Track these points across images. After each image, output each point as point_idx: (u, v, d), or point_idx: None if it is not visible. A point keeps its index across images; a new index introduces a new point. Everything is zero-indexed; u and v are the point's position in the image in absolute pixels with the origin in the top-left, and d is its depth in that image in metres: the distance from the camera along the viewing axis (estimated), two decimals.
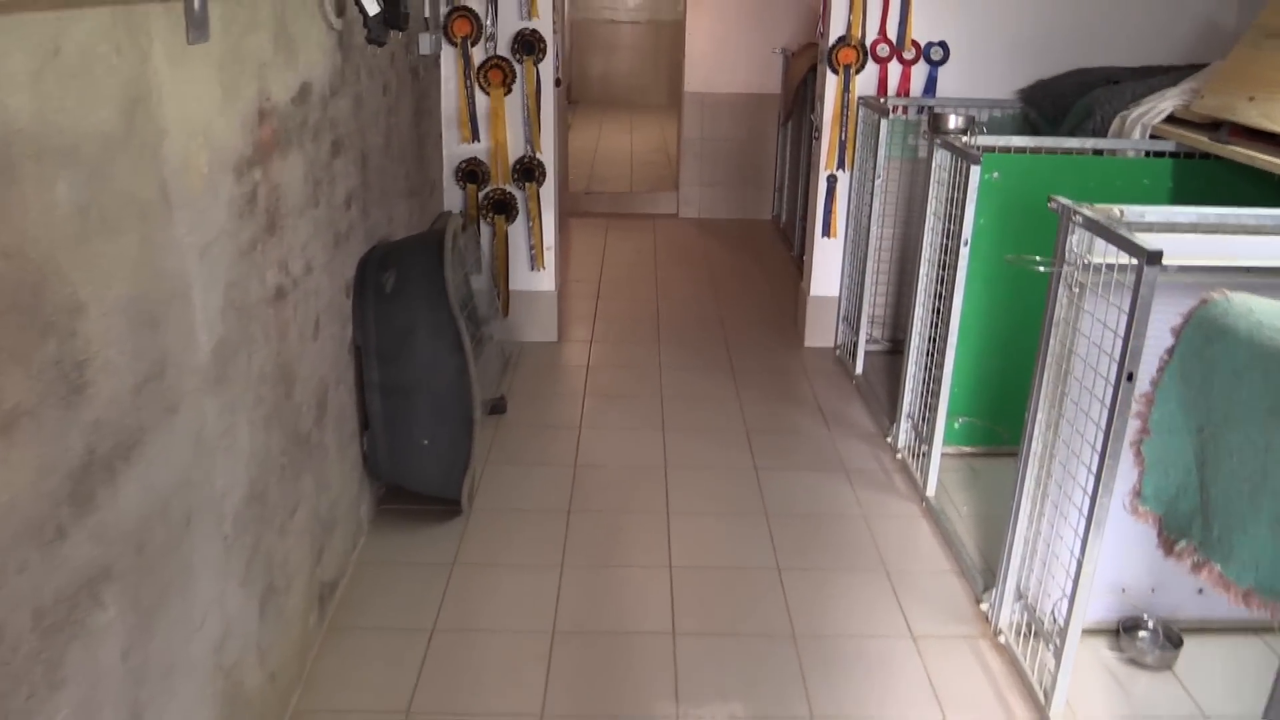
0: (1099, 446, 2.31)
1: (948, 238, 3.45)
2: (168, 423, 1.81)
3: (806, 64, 5.77)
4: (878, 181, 4.27)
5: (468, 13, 4.42)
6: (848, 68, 4.51)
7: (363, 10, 2.72)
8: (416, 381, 3.13)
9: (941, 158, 3.45)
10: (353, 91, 3.02)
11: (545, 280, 4.86)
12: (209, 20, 1.91)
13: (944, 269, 3.46)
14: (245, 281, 2.16)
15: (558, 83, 4.68)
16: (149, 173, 1.73)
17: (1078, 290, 2.48)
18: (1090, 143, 3.55)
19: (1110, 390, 2.26)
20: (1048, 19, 4.50)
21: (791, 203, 6.67)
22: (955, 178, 3.34)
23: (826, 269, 4.86)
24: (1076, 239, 2.43)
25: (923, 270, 3.62)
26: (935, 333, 3.54)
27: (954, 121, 3.41)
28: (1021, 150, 3.50)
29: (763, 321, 5.30)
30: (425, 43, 4.02)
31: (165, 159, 1.78)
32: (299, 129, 2.53)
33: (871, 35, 4.49)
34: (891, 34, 4.48)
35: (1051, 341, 2.55)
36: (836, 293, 4.87)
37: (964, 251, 3.24)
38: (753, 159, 7.23)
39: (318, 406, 2.71)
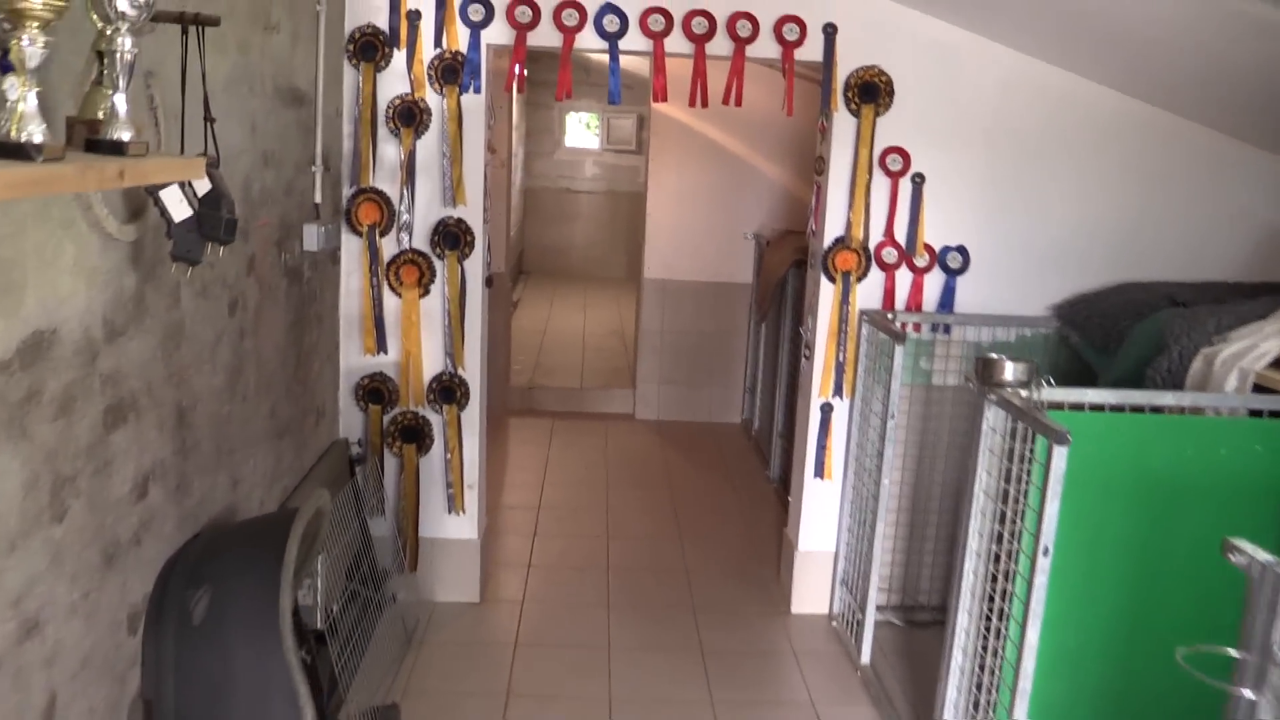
0: None
1: (1002, 522, 2.51)
2: None
3: (788, 258, 4.96)
4: (891, 423, 3.34)
5: (377, 196, 3.54)
6: (847, 275, 3.66)
7: (165, 216, 1.77)
8: None
9: (995, 417, 2.53)
10: (161, 324, 2.05)
11: (466, 526, 3.83)
12: None
13: (1003, 574, 2.49)
14: None
15: (488, 283, 3.78)
16: None
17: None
18: (1189, 398, 2.66)
19: None
20: (1087, 222, 3.72)
21: (767, 409, 5.76)
22: (1019, 448, 2.42)
23: (819, 518, 3.88)
24: None
25: (970, 545, 2.66)
26: (990, 613, 2.55)
27: (1012, 371, 2.52)
28: (1098, 407, 2.60)
29: (739, 574, 4.28)
30: (313, 236, 3.10)
31: None
32: (19, 406, 1.53)
33: (876, 237, 3.66)
34: (900, 236, 3.66)
35: None
36: (832, 548, 3.88)
37: (1043, 563, 2.28)
38: (720, 355, 6.36)
39: None
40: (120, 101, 1.40)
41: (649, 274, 6.27)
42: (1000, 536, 2.61)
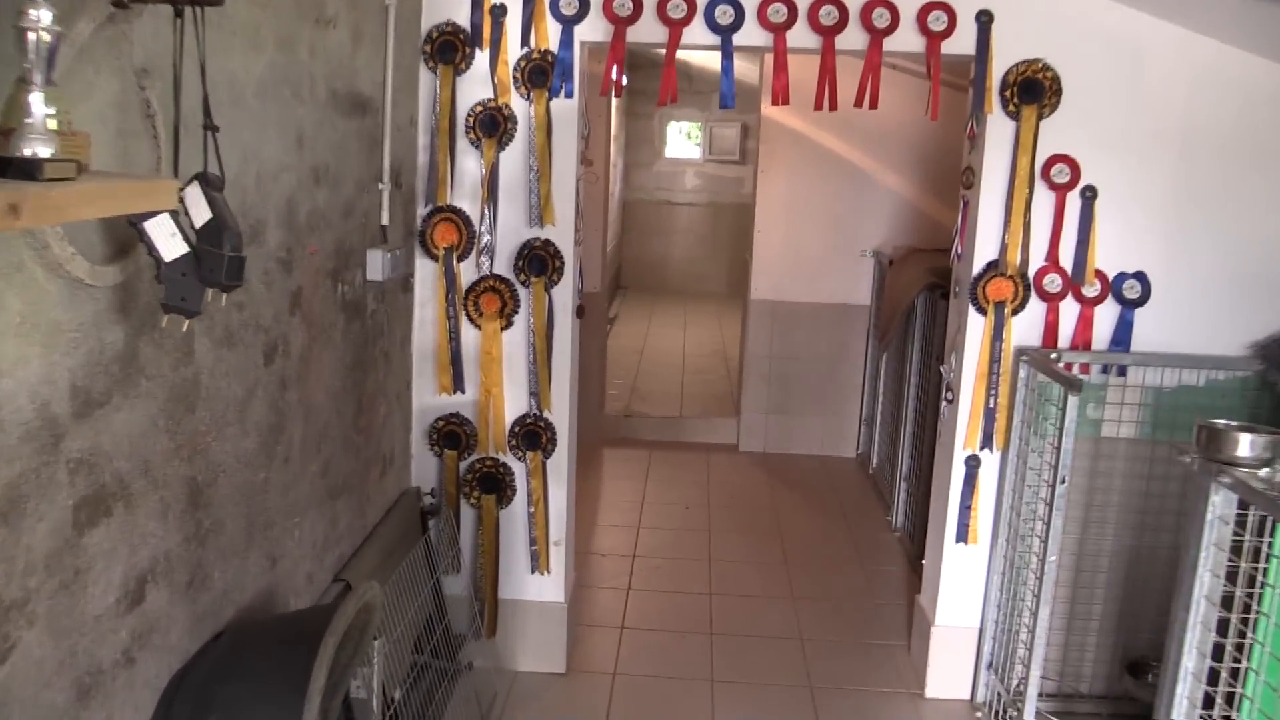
0: None
1: (1224, 632, 1.92)
2: None
3: (917, 280, 4.38)
4: (1061, 488, 2.76)
5: (455, 216, 3.11)
6: (1001, 306, 3.08)
7: (153, 254, 1.35)
8: None
9: (1224, 504, 1.95)
10: (165, 385, 1.63)
11: (551, 587, 3.37)
12: None
13: (1224, 697, 1.91)
14: None
15: (579, 313, 3.32)
16: None
17: None
18: None
19: None
20: None
21: (887, 447, 5.18)
22: (1250, 541, 1.84)
23: (960, 589, 3.31)
24: None
25: (1185, 664, 2.08)
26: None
27: (1249, 445, 1.93)
28: None
29: (862, 645, 3.72)
30: (379, 264, 2.68)
31: None
32: None
33: (1037, 262, 3.08)
34: (1066, 260, 3.07)
35: None
36: (976, 623, 3.31)
37: None
38: (833, 383, 5.80)
39: None
40: (37, 103, 0.97)
41: (756, 294, 5.75)
42: (1220, 649, 2.03)
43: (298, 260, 2.19)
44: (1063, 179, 3.02)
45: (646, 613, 3.90)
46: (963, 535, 3.26)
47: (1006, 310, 3.09)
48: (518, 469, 3.28)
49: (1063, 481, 2.74)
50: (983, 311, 3.10)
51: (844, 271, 5.65)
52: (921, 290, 4.29)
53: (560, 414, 3.25)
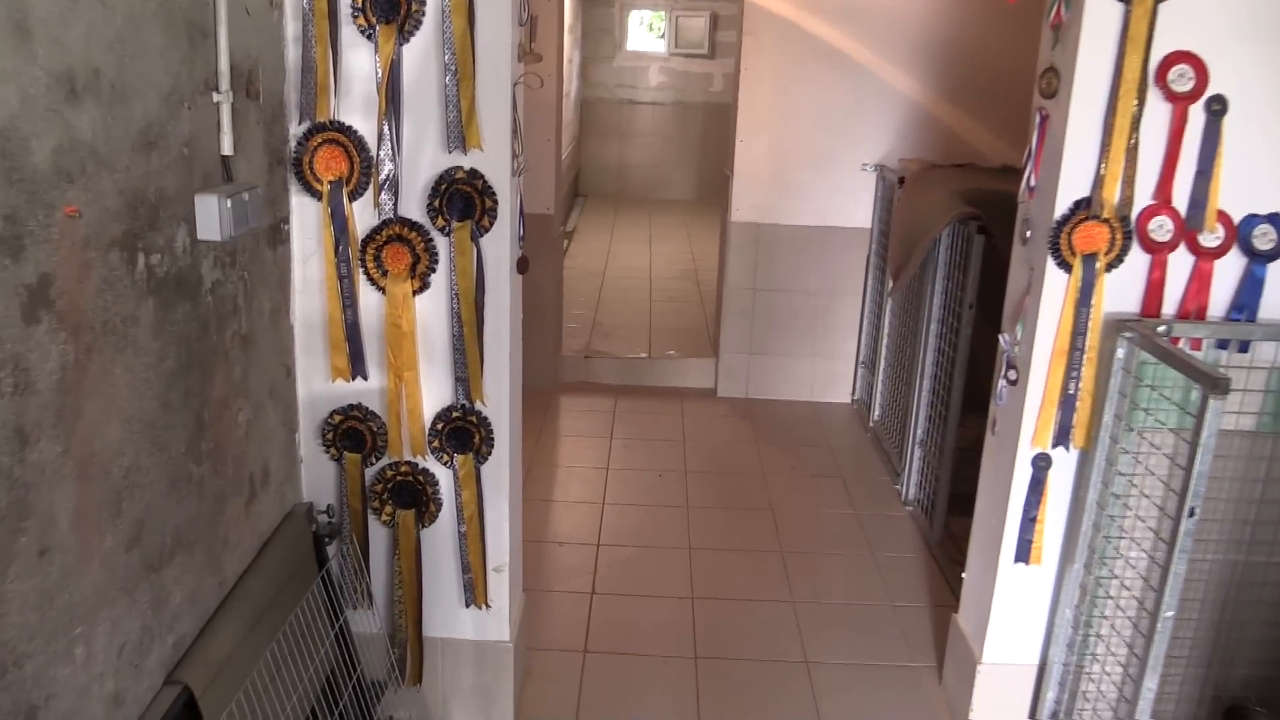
0: None
1: None
2: None
3: (944, 209, 3.55)
4: (1189, 522, 2.00)
5: (343, 137, 2.23)
6: (1091, 260, 2.28)
7: None
8: None
9: None
10: None
11: (492, 623, 2.60)
12: None
13: None
14: None
15: (521, 266, 2.47)
16: None
17: None
18: None
19: None
20: None
21: (895, 403, 4.43)
22: None
23: (1017, 617, 2.59)
24: None
25: None
26: None
27: None
28: None
29: (882, 669, 3.01)
30: (214, 215, 1.80)
31: None
32: None
33: (1142, 200, 2.27)
34: (1180, 200, 2.26)
35: None
36: (1036, 660, 2.60)
37: None
38: (826, 320, 5.01)
39: None
40: None
41: (737, 216, 4.89)
42: None
43: (37, 231, 1.32)
44: (1184, 86, 2.19)
45: (615, 629, 3.15)
46: (1024, 554, 2.52)
47: (1099, 265, 2.29)
48: (443, 476, 2.47)
49: (1191, 514, 1.98)
50: (1066, 267, 2.30)
51: (841, 189, 4.80)
52: (950, 222, 3.47)
53: (498, 404, 2.43)
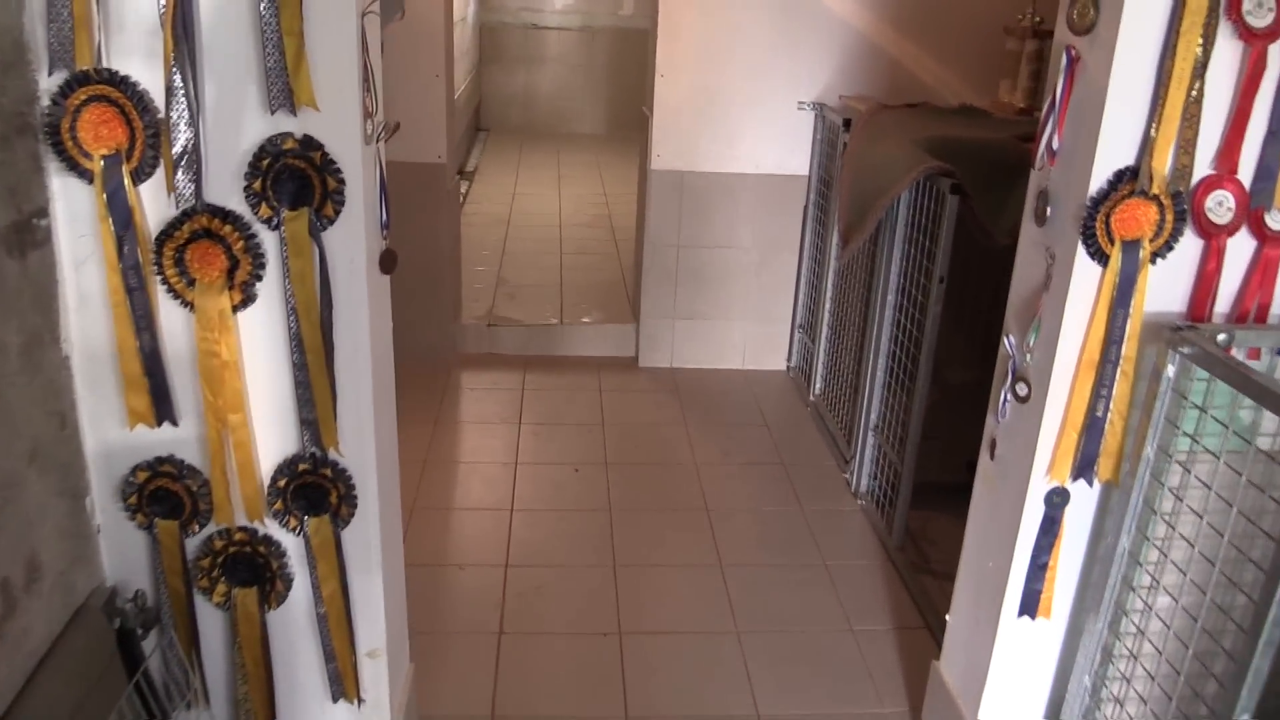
0: None
1: None
2: None
3: (909, 161, 3.00)
4: None
5: (117, 93, 1.56)
6: (1133, 248, 1.75)
7: None
8: None
9: None
10: None
11: (372, 718, 2.03)
12: None
13: None
14: None
15: (386, 264, 1.84)
16: None
17: None
18: None
19: None
20: None
21: (842, 371, 3.93)
22: None
23: (1018, 677, 2.12)
24: None
25: None
26: None
27: None
28: None
29: (848, 718, 2.54)
30: None
31: None
32: None
33: (1201, 170, 1.74)
34: (1246, 170, 1.75)
35: None
36: None
37: None
38: (760, 279, 4.47)
39: None
40: None
41: (658, 163, 4.28)
42: None
43: None
44: (1264, 20, 1.66)
45: (530, 684, 2.61)
46: (1030, 606, 2.03)
47: (1142, 254, 1.77)
48: (291, 545, 1.87)
49: None
50: (1101, 256, 1.77)
51: (775, 131, 4.22)
52: (916, 178, 2.92)
53: (361, 452, 1.82)
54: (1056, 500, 1.95)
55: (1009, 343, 1.99)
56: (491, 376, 4.41)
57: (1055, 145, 1.82)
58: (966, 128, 3.31)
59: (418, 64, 4.08)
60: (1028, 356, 1.93)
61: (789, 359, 4.57)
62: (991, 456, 2.10)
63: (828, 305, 4.02)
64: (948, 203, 2.77)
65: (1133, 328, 1.80)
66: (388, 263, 1.82)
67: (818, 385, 4.17)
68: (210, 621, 1.91)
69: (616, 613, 2.88)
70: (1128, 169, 1.72)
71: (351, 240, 1.68)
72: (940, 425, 3.12)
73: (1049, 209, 1.85)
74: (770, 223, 4.36)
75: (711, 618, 2.88)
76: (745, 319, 4.52)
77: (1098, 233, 1.75)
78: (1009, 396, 2.00)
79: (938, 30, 4.10)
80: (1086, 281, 1.80)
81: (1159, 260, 1.78)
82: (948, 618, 2.33)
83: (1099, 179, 1.73)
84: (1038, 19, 3.61)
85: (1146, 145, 1.70)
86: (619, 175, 8.09)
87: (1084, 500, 1.96)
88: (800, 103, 4.17)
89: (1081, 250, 1.77)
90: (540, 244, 6.16)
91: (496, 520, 3.31)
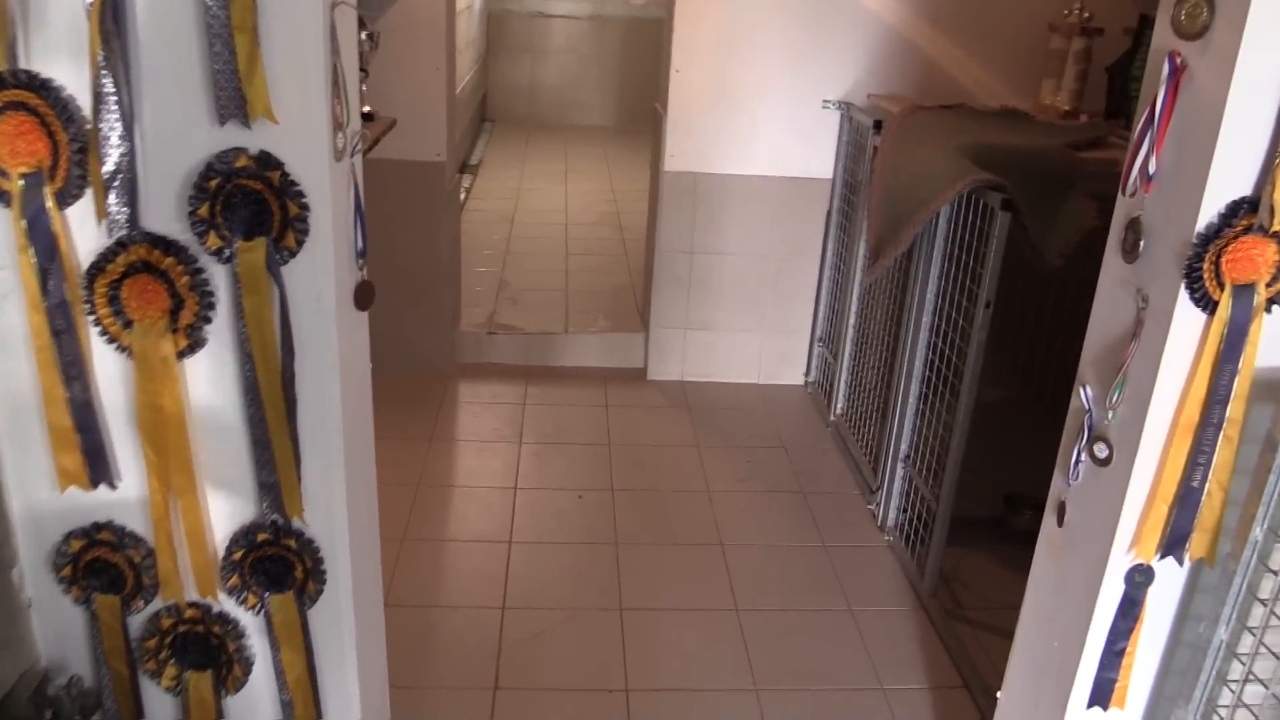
0: None
1: None
2: None
3: (953, 173, 2.71)
4: None
5: (37, 100, 1.29)
6: (1246, 293, 1.48)
7: None
8: None
9: None
10: None
11: None
12: None
13: None
14: None
15: (361, 299, 1.57)
16: None
17: None
18: None
19: None
20: None
21: (868, 391, 3.66)
22: None
23: None
24: None
25: None
26: None
27: None
28: None
29: None
30: None
31: None
32: None
33: None
34: None
35: None
36: None
37: None
38: (778, 288, 4.19)
39: None
40: None
41: (671, 164, 4.01)
42: None
43: None
44: None
45: None
46: (1103, 696, 1.77)
47: (1257, 300, 1.49)
48: (250, 623, 1.60)
49: None
50: (1208, 302, 1.50)
51: (797, 132, 3.95)
52: (961, 191, 2.64)
53: (331, 520, 1.55)
54: (1139, 579, 1.68)
55: (1085, 395, 1.72)
56: (491, 389, 4.15)
57: (1152, 168, 1.54)
58: (1011, 133, 3.03)
59: (418, 56, 3.81)
60: (1109, 414, 1.65)
61: (807, 373, 4.30)
62: (1060, 522, 1.82)
63: (852, 320, 3.75)
64: (997, 220, 2.50)
65: (1241, 386, 1.53)
66: (364, 297, 1.55)
67: (839, 404, 3.90)
68: (159, 708, 1.66)
69: (624, 665, 2.62)
70: (1244, 200, 1.45)
71: (318, 274, 1.41)
72: (970, 450, 2.86)
73: (1141, 243, 1.58)
74: (790, 229, 4.09)
75: (727, 673, 2.62)
76: (761, 330, 4.25)
77: (1205, 275, 1.47)
78: (1082, 456, 1.73)
79: (976, 26, 3.82)
80: (1188, 330, 1.52)
81: (1275, 308, 1.51)
82: (999, 695, 2.07)
83: (1209, 211, 1.45)
84: (1086, 15, 3.33)
85: (1269, 173, 1.42)
86: (628, 171, 7.81)
87: (1169, 578, 1.70)
88: (825, 101, 3.89)
89: (1184, 294, 1.50)
90: (545, 243, 5.88)
91: (493, 554, 3.05)
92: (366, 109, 3.72)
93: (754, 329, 4.24)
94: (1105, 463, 1.68)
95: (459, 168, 6.92)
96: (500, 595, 2.86)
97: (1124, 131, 3.17)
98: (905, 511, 3.18)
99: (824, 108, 3.90)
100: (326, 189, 1.37)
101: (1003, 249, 2.49)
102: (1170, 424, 1.57)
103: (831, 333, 4.05)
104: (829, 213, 4.02)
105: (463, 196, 6.58)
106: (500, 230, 6.06)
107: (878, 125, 3.41)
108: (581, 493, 3.41)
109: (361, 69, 3.77)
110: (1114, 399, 1.64)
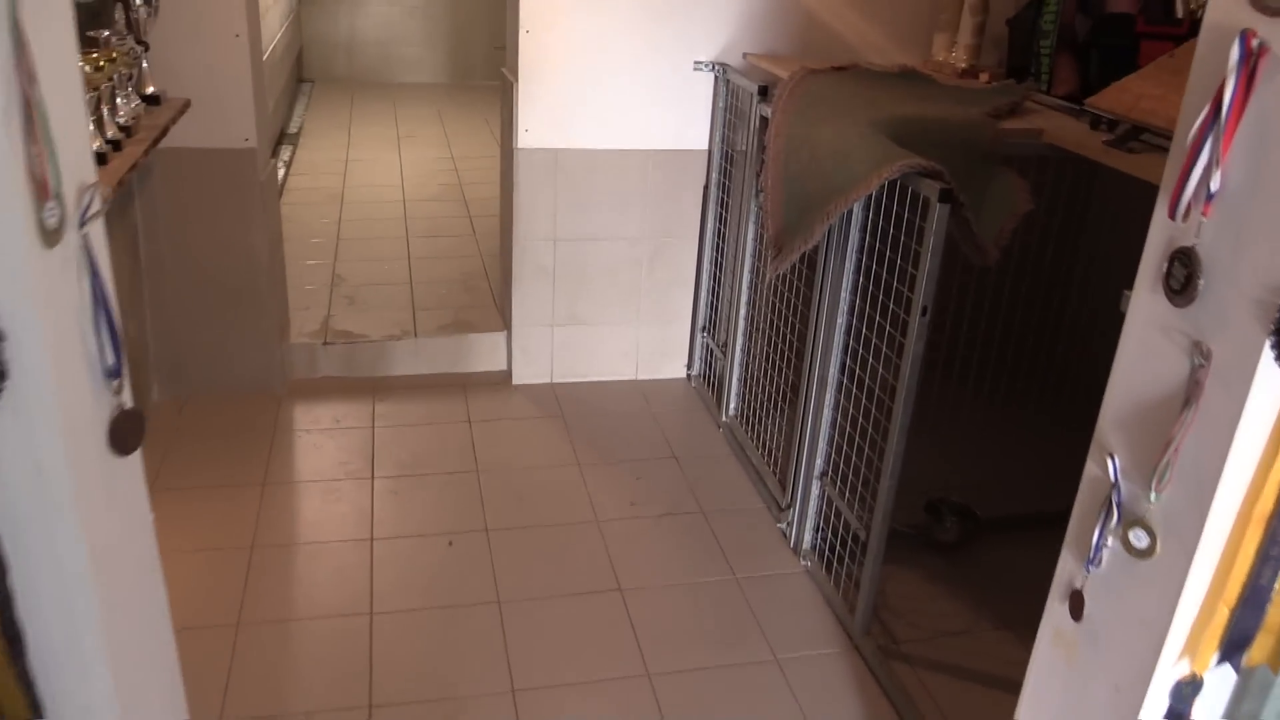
0: None
1: None
2: None
3: (874, 151, 2.31)
4: None
5: None
6: None
7: None
8: None
9: None
10: None
11: None
12: None
13: None
14: None
15: (124, 438, 1.03)
16: None
17: None
18: None
19: None
20: None
21: (763, 384, 3.29)
22: None
23: None
24: None
25: None
26: None
27: None
28: None
29: None
30: None
31: None
32: None
33: None
34: None
35: None
36: None
37: None
38: (655, 274, 3.76)
39: None
40: None
41: (525, 140, 3.49)
42: None
43: None
44: None
45: None
46: None
47: None
48: None
49: None
50: None
51: (667, 97, 3.49)
52: (888, 178, 2.24)
53: None
54: (1187, 692, 1.34)
55: (1112, 468, 1.35)
56: (332, 411, 3.57)
57: (1214, 184, 1.16)
58: (922, 102, 2.66)
59: (212, 20, 3.15)
60: (1154, 496, 1.29)
61: (689, 365, 3.90)
62: (1075, 615, 1.47)
63: (742, 310, 3.35)
64: (934, 213, 2.11)
65: None
66: (127, 434, 1.02)
67: (731, 404, 3.52)
68: None
69: None
70: None
71: (34, 435, 0.88)
72: (879, 451, 2.52)
73: (1201, 282, 1.20)
74: (664, 207, 3.65)
75: None
76: (637, 322, 3.81)
77: None
78: (1111, 540, 1.37)
79: None
80: (1265, 398, 1.16)
81: None
82: None
83: None
84: None
85: None
86: (466, 134, 7.19)
87: (1219, 687, 1.36)
88: (698, 63, 3.44)
89: (1268, 353, 1.13)
90: (382, 226, 5.25)
91: (351, 633, 2.53)
92: (151, 90, 3.05)
93: (629, 321, 3.80)
94: (1146, 554, 1.32)
95: (275, 139, 6.16)
96: (365, 691, 2.36)
97: (1041, 95, 2.85)
98: (821, 531, 2.83)
99: (696, 70, 3.45)
100: (30, 298, 0.83)
101: (941, 248, 2.12)
102: (1237, 515, 1.22)
103: (716, 321, 3.65)
104: (706, 187, 3.60)
105: (282, 173, 5.84)
106: (329, 212, 5.38)
107: (764, 91, 2.99)
108: (451, 538, 2.92)
109: (140, 41, 3.08)
110: (1163, 477, 1.27)
